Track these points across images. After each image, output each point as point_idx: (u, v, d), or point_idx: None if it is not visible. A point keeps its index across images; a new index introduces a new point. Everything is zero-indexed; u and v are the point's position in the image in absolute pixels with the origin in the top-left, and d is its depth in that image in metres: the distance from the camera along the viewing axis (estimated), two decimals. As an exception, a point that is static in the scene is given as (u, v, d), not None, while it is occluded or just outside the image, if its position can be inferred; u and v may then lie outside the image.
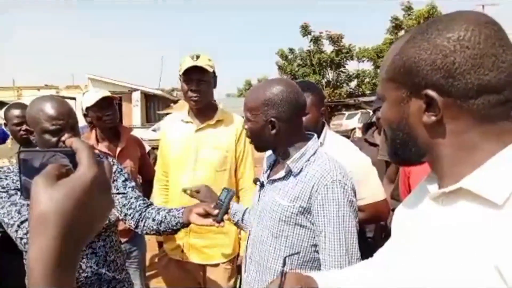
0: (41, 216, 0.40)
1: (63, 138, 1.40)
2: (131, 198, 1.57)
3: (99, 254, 1.48)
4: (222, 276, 2.08)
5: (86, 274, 1.44)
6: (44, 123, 1.38)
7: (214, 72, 2.07)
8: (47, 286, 0.39)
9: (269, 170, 1.47)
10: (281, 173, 1.33)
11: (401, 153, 0.75)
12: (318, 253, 1.26)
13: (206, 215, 1.47)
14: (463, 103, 0.62)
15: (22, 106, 2.58)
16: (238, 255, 2.12)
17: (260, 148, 1.43)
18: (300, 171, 1.29)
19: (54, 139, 1.39)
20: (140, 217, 1.55)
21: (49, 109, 1.39)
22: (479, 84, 0.61)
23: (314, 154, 1.32)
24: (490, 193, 0.59)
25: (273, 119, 1.29)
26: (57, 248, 0.40)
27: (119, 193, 1.57)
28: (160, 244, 2.30)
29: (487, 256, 0.56)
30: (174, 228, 1.53)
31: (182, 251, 2.09)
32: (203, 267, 2.10)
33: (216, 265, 2.08)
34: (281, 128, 1.30)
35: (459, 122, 0.64)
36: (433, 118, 0.65)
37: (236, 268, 2.13)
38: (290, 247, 1.27)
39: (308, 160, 1.30)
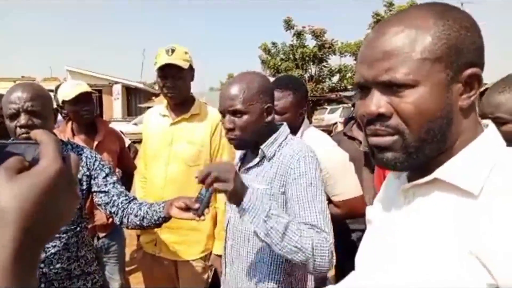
0: (0, 211, 0.38)
1: (18, 124, 1.38)
2: (113, 195, 1.56)
3: (71, 250, 1.50)
4: (192, 273, 2.04)
5: (56, 270, 1.45)
6: (4, 108, 1.39)
7: (191, 65, 2.02)
8: (5, 283, 0.37)
9: (239, 162, 1.50)
10: (256, 160, 1.36)
11: (429, 151, 0.63)
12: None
13: (187, 209, 1.41)
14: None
15: None
16: (210, 253, 2.06)
17: (248, 143, 1.36)
18: (274, 155, 1.34)
19: (12, 124, 1.38)
20: (123, 214, 1.54)
21: (9, 93, 1.39)
22: (477, 70, 0.63)
23: (285, 139, 1.37)
24: (465, 183, 0.59)
25: (269, 104, 1.34)
26: (16, 243, 0.38)
27: (100, 192, 1.56)
28: (138, 237, 2.28)
29: (463, 243, 0.56)
30: (157, 222, 1.51)
31: (156, 245, 2.07)
32: (175, 262, 2.07)
33: (187, 261, 2.04)
34: (273, 114, 1.36)
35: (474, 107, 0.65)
36: (470, 100, 0.62)
37: (208, 266, 2.08)
38: None
39: (280, 144, 1.35)
